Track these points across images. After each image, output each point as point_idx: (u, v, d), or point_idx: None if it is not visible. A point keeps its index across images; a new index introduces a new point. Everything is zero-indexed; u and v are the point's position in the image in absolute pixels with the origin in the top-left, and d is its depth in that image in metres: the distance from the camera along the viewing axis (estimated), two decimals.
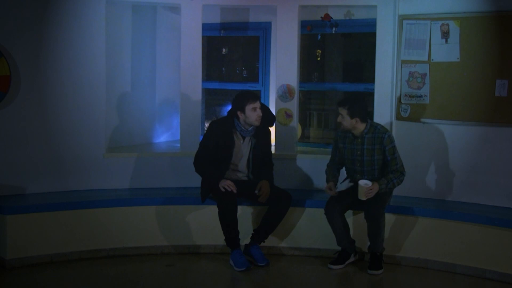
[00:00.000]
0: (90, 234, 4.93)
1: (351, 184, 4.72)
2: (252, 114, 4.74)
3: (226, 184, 4.68)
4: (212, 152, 4.82)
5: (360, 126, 4.67)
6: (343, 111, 4.63)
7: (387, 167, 4.71)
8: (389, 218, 4.73)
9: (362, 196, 4.52)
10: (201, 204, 5.03)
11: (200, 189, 4.96)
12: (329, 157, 5.04)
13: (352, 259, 4.78)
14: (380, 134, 4.66)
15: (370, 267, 4.62)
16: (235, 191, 4.68)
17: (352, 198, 4.68)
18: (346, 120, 4.64)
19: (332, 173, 4.87)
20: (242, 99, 4.77)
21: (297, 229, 5.07)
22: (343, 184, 4.79)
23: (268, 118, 4.97)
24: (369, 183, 4.53)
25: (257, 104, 4.76)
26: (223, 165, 4.85)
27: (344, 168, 4.94)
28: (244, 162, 4.92)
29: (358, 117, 4.62)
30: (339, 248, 4.77)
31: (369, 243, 4.68)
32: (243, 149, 4.88)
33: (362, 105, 4.73)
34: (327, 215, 4.65)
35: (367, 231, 4.63)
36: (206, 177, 4.86)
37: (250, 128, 4.84)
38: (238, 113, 4.77)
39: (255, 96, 4.84)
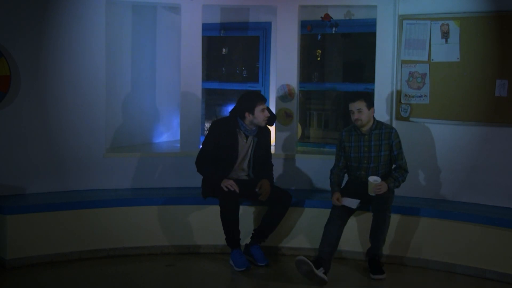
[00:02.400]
0: (90, 234, 4.93)
1: (360, 205, 4.69)
2: (260, 115, 4.78)
3: (229, 184, 4.68)
4: (215, 151, 4.83)
5: (371, 120, 4.75)
6: (362, 104, 4.67)
7: (392, 163, 4.80)
8: (391, 219, 4.72)
9: (371, 192, 4.60)
10: (201, 204, 5.03)
11: (202, 186, 4.97)
12: (329, 157, 5.05)
13: (320, 273, 4.34)
14: (388, 130, 4.76)
15: (373, 272, 4.57)
16: (237, 190, 4.68)
17: (357, 198, 4.70)
18: (365, 113, 4.68)
19: (337, 181, 4.84)
20: (251, 100, 4.78)
21: (297, 229, 5.08)
22: (352, 202, 4.67)
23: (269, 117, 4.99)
24: (378, 179, 4.60)
25: (265, 105, 4.82)
26: (228, 164, 4.85)
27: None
28: (246, 161, 4.93)
29: (373, 107, 4.76)
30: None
31: (369, 247, 4.66)
32: (245, 148, 4.89)
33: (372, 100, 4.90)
34: (328, 222, 4.60)
35: (370, 230, 4.62)
36: (208, 177, 4.86)
37: (254, 128, 4.87)
38: (246, 114, 4.79)
39: (263, 97, 4.90)
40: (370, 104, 4.72)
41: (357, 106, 4.67)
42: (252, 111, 4.77)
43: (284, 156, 5.56)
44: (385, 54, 5.31)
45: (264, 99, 4.85)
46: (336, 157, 4.94)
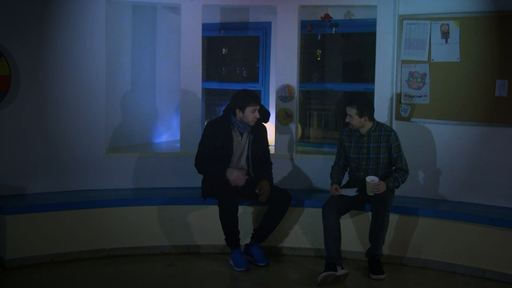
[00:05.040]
0: (90, 234, 4.93)
1: (357, 193, 4.70)
2: (250, 114, 4.77)
3: (236, 177, 4.69)
4: (212, 152, 4.82)
5: (368, 124, 4.73)
6: (352, 111, 4.67)
7: (392, 165, 4.79)
8: (390, 218, 4.72)
9: (370, 192, 4.61)
10: (201, 204, 5.03)
11: (202, 187, 4.97)
12: (329, 157, 5.05)
13: (341, 272, 4.41)
14: (387, 132, 4.74)
15: (372, 272, 4.58)
16: (244, 180, 4.69)
17: (353, 196, 4.71)
18: (355, 119, 4.68)
19: (337, 176, 4.89)
20: (244, 100, 4.77)
21: (297, 229, 5.08)
22: (350, 191, 4.73)
23: (262, 114, 4.94)
24: (375, 179, 4.60)
25: (257, 107, 4.80)
26: (224, 162, 4.84)
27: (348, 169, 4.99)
28: (244, 159, 4.93)
29: (366, 115, 4.69)
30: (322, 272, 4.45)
31: (369, 246, 4.68)
32: (241, 145, 4.89)
33: (370, 104, 4.81)
34: (323, 214, 4.62)
35: (369, 230, 4.63)
36: (211, 174, 4.85)
37: (246, 125, 4.86)
38: (237, 110, 4.79)
39: (257, 98, 4.86)
40: (363, 113, 4.66)
41: (348, 111, 4.70)
42: (242, 109, 4.77)
43: (284, 156, 5.56)
44: (385, 54, 5.31)
45: (257, 100, 4.80)
46: (336, 156, 4.96)
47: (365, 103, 4.73)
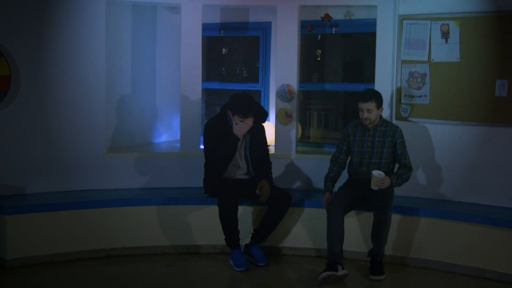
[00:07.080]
0: (90, 234, 4.93)
1: None
2: (237, 122, 4.73)
3: (242, 126, 4.69)
4: (215, 150, 4.80)
5: (378, 118, 4.76)
6: (372, 105, 4.68)
7: (396, 162, 4.81)
8: (392, 218, 4.71)
9: (374, 186, 4.57)
10: (201, 204, 5.04)
11: (203, 184, 4.97)
12: (329, 157, 5.02)
13: (342, 272, 4.41)
14: (393, 128, 4.78)
15: (372, 272, 4.57)
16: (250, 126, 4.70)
17: (355, 195, 4.72)
18: (374, 113, 4.71)
19: (332, 181, 4.89)
20: (235, 107, 4.72)
21: (297, 229, 5.08)
22: None
23: (259, 115, 4.93)
24: (382, 174, 4.58)
25: (246, 119, 4.71)
26: (225, 163, 4.83)
27: (345, 170, 5.00)
28: (242, 158, 4.93)
29: (381, 106, 4.76)
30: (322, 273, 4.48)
31: (371, 247, 4.67)
32: (239, 144, 4.87)
33: (381, 94, 4.84)
34: (329, 211, 4.62)
35: (371, 230, 4.62)
36: (222, 155, 4.76)
37: None
38: (229, 111, 4.80)
39: (247, 112, 4.70)
40: (380, 104, 4.74)
41: (367, 106, 4.68)
42: (232, 115, 4.76)
43: (284, 156, 5.56)
44: (385, 54, 5.31)
45: (245, 115, 4.69)
46: (337, 151, 4.94)
47: (379, 94, 4.79)
